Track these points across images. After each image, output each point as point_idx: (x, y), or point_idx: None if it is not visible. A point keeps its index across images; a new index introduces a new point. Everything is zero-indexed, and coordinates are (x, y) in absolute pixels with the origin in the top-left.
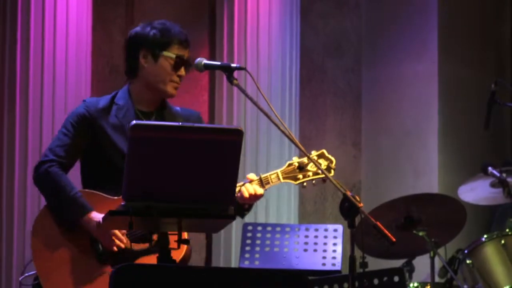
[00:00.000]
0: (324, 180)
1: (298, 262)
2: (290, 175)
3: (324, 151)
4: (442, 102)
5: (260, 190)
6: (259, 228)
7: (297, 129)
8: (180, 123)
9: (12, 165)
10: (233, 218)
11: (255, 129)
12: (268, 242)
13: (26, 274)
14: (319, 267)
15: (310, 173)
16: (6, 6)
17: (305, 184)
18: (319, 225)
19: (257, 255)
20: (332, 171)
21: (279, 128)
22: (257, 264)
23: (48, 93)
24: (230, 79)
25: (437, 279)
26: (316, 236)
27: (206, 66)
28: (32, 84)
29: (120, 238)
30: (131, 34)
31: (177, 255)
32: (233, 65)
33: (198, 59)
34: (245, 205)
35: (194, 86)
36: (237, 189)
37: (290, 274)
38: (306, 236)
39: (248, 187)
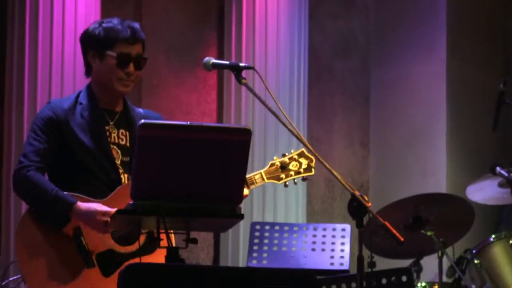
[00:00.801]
0: (304, 178)
1: (306, 261)
2: (273, 175)
3: (304, 150)
4: (450, 102)
5: (245, 191)
6: (267, 227)
7: (305, 129)
8: (189, 122)
9: None
10: (241, 217)
11: (263, 128)
12: (276, 241)
13: (11, 279)
14: (327, 266)
15: (292, 173)
16: (14, 5)
17: (287, 183)
18: (327, 224)
19: (265, 255)
20: (313, 169)
21: (287, 127)
22: (265, 263)
23: (56, 93)
24: (239, 78)
25: (445, 279)
26: (324, 236)
27: (214, 65)
28: (40, 83)
29: (105, 212)
30: (82, 34)
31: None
32: (242, 64)
33: (206, 58)
34: None
35: (202, 85)
36: None
37: (298, 273)
38: (314, 236)
39: None
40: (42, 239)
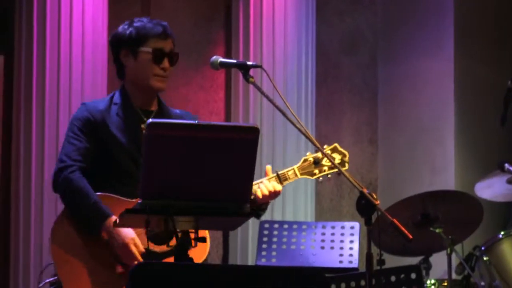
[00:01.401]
0: (339, 173)
1: (315, 259)
2: (306, 170)
3: (337, 145)
4: (458, 99)
5: (278, 187)
6: (276, 225)
7: (313, 126)
8: (197, 121)
9: (28, 165)
10: (249, 216)
11: (271, 126)
12: (285, 239)
13: (46, 280)
14: (336, 264)
15: (326, 168)
16: (22, 5)
17: (321, 179)
18: (335, 222)
19: (274, 253)
20: (346, 164)
21: (295, 125)
22: (274, 261)
23: (64, 93)
24: (246, 77)
25: (454, 276)
26: (333, 234)
27: (222, 64)
28: (48, 83)
29: (137, 245)
30: (111, 35)
31: (201, 256)
32: (249, 63)
33: (214, 57)
34: (262, 204)
35: (210, 84)
36: (255, 187)
37: (307, 271)
38: (323, 234)
39: (266, 185)
40: (77, 240)
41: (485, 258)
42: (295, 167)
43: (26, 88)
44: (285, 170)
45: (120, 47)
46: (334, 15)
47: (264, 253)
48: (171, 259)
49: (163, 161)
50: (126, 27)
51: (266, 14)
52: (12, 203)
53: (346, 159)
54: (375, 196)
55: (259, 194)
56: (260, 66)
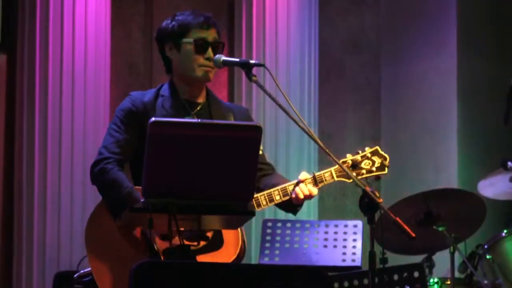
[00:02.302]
0: (378, 177)
1: (318, 258)
2: (343, 173)
3: (378, 148)
4: (461, 98)
5: (315, 191)
6: (279, 224)
7: (316, 125)
8: (199, 120)
9: (31, 164)
10: (252, 214)
11: (274, 125)
12: (288, 238)
13: (81, 271)
14: (339, 263)
15: (364, 171)
16: (25, 5)
17: (366, 182)
18: (338, 221)
19: (277, 252)
20: (386, 168)
21: (298, 124)
22: (277, 260)
23: (67, 93)
24: (249, 75)
25: (457, 275)
26: (335, 232)
27: (225, 63)
28: (51, 82)
29: None
30: (156, 32)
31: (230, 255)
32: (252, 61)
33: (217, 55)
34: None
35: (213, 82)
36: (290, 188)
37: (310, 270)
38: (326, 232)
39: (302, 189)
40: (111, 234)
41: (488, 257)
42: (332, 169)
43: (28, 87)
44: (322, 172)
45: (164, 42)
46: (337, 15)
47: (267, 251)
48: (204, 256)
49: (166, 160)
50: (168, 21)
51: (269, 13)
52: (15, 201)
53: (387, 162)
54: (378, 195)
55: (294, 196)
56: (263, 65)
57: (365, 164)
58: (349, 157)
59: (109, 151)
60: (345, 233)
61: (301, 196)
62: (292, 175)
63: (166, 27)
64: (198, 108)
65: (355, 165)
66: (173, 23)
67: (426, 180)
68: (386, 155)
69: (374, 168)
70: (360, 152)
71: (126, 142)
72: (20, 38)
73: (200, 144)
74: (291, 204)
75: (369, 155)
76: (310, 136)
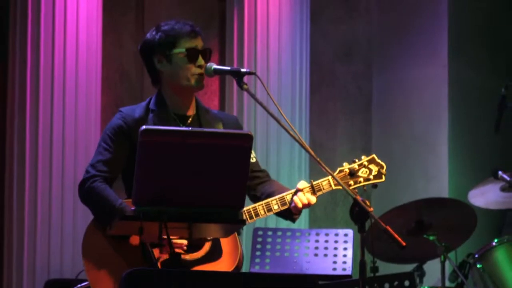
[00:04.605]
0: (375, 185)
1: (309, 266)
2: (341, 181)
3: (375, 156)
4: (452, 107)
5: (313, 199)
6: (270, 232)
7: (307, 134)
8: (190, 128)
9: (22, 172)
10: (243, 223)
11: (265, 134)
12: (278, 246)
13: (79, 286)
14: (329, 271)
15: (361, 179)
16: (16, 12)
17: (356, 190)
18: (329, 229)
19: (267, 260)
20: (383, 176)
21: (289, 133)
22: (267, 268)
23: (58, 101)
24: (240, 84)
25: (447, 284)
26: (326, 241)
27: (216, 71)
28: (42, 91)
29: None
30: (141, 44)
31: (229, 266)
32: (243, 70)
33: (208, 64)
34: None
35: (204, 90)
36: (288, 198)
37: (301, 279)
38: (317, 241)
39: (301, 197)
40: (108, 248)
41: (478, 266)
42: (329, 177)
43: (20, 95)
44: (319, 181)
45: (152, 54)
46: (328, 23)
47: (257, 260)
48: (202, 267)
49: (156, 168)
50: (154, 33)
51: (260, 22)
52: (5, 207)
53: (383, 170)
54: (368, 204)
55: (293, 206)
56: (254, 73)
57: (363, 173)
58: (346, 166)
59: (96, 169)
60: (336, 241)
61: (300, 205)
62: (283, 183)
63: (153, 38)
64: (188, 122)
65: (353, 174)
66: (160, 34)
67: (417, 189)
68: (383, 163)
69: (371, 176)
70: (356, 160)
71: (114, 160)
72: (11, 47)
73: (191, 152)
74: (290, 213)
75: (366, 163)
76: (301, 145)
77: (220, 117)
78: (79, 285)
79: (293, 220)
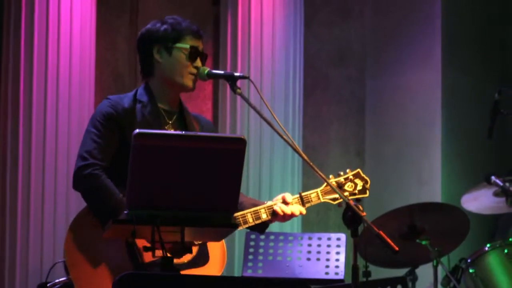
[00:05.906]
0: (358, 200)
1: (301, 270)
2: (329, 194)
3: (360, 170)
4: (445, 111)
5: (304, 210)
6: (262, 236)
7: (301, 138)
8: (183, 132)
9: (15, 177)
10: (236, 226)
11: (258, 138)
12: (271, 250)
13: (57, 280)
14: (322, 275)
15: (347, 193)
16: (10, 14)
17: (341, 204)
18: (322, 234)
19: (260, 264)
20: (367, 191)
21: (282, 137)
22: (260, 272)
23: (51, 103)
24: (234, 88)
25: None
26: (319, 245)
27: (210, 75)
28: (35, 93)
29: None
30: (142, 32)
31: (216, 271)
32: (236, 74)
33: (202, 68)
34: (272, 221)
35: (197, 94)
36: (275, 207)
37: (293, 283)
38: (309, 245)
39: (292, 208)
40: (94, 243)
41: (471, 271)
42: (318, 190)
43: (13, 97)
44: (308, 193)
45: (153, 43)
46: (322, 27)
47: (250, 264)
48: (189, 271)
49: (150, 171)
50: (158, 24)
51: (254, 26)
52: None
53: (368, 185)
54: (361, 208)
55: (281, 213)
56: (248, 77)
57: (348, 187)
58: (332, 179)
59: (93, 156)
60: (328, 246)
61: (288, 212)
62: (276, 187)
63: (157, 29)
64: (174, 118)
65: (340, 187)
66: (165, 26)
67: (410, 194)
68: (367, 178)
69: (356, 191)
70: (342, 173)
71: (107, 147)
72: (5, 48)
73: (184, 156)
74: (264, 225)
75: (351, 177)
76: (294, 149)
77: (198, 118)
78: (57, 280)
79: (262, 232)
